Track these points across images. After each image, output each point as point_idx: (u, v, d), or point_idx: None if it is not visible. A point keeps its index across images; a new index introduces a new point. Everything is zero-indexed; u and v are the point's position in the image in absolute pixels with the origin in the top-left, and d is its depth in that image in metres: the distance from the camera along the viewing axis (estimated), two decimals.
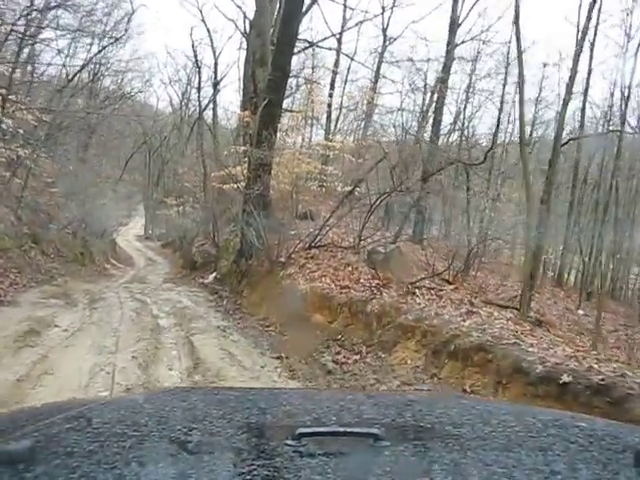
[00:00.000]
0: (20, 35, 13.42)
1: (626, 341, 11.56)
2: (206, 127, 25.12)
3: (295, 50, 13.83)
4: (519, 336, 4.95)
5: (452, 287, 7.94)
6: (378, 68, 21.23)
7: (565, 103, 11.07)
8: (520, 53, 9.83)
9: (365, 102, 19.16)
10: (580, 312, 14.09)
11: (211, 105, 25.66)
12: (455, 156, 15.63)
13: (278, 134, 12.32)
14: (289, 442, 0.87)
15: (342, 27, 21.59)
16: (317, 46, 20.83)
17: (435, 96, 17.61)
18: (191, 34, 33.17)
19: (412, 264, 10.48)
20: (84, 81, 23.15)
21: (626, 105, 16.50)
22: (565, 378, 3.72)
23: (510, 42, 18.21)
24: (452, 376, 4.87)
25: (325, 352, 6.41)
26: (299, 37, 15.04)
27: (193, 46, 27.40)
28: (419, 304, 6.37)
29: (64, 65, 19.79)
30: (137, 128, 31.15)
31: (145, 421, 1.04)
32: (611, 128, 17.68)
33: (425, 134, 16.80)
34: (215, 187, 15.15)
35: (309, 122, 18.15)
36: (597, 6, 13.77)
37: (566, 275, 18.80)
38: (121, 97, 25.75)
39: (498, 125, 19.04)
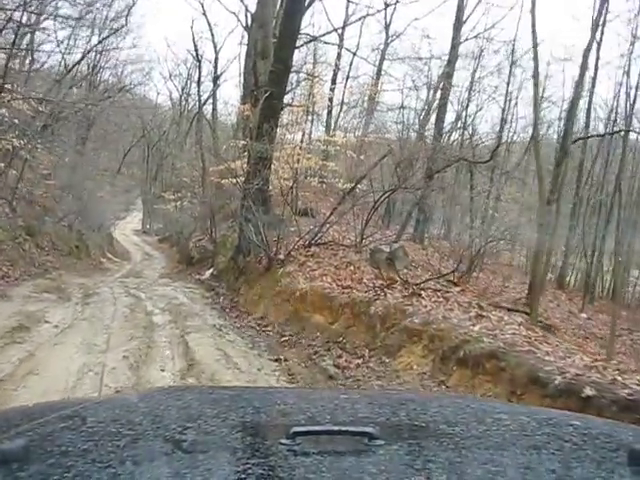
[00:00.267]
0: (17, 23, 13.10)
1: (631, 346, 11.34)
2: (205, 122, 24.91)
3: (297, 44, 13.60)
4: (533, 343, 4.67)
5: (458, 289, 7.66)
6: (380, 65, 21.02)
7: (576, 98, 10.77)
8: (535, 44, 9.50)
9: (366, 98, 18.91)
10: (583, 315, 13.86)
11: (211, 100, 25.52)
12: (458, 154, 15.38)
13: (278, 129, 12.09)
14: (284, 441, 0.86)
15: (344, 22, 21.35)
16: (319, 40, 20.59)
17: (439, 93, 17.39)
18: (192, 27, 32.97)
19: (415, 264, 10.24)
20: (83, 73, 22.89)
21: (632, 106, 16.34)
22: (588, 391, 3.43)
23: (515, 40, 18.02)
24: (461, 384, 4.58)
25: (326, 355, 6.12)
26: (301, 32, 14.78)
27: (194, 39, 27.26)
28: (425, 306, 6.08)
29: (62, 54, 19.47)
30: (136, 122, 30.95)
31: (140, 420, 1.03)
32: (616, 129, 17.47)
33: (428, 131, 16.58)
34: (214, 182, 14.95)
35: (310, 118, 17.87)
36: (606, 5, 13.62)
37: (567, 277, 18.56)
38: (120, 90, 25.42)
39: (503, 123, 18.84)
